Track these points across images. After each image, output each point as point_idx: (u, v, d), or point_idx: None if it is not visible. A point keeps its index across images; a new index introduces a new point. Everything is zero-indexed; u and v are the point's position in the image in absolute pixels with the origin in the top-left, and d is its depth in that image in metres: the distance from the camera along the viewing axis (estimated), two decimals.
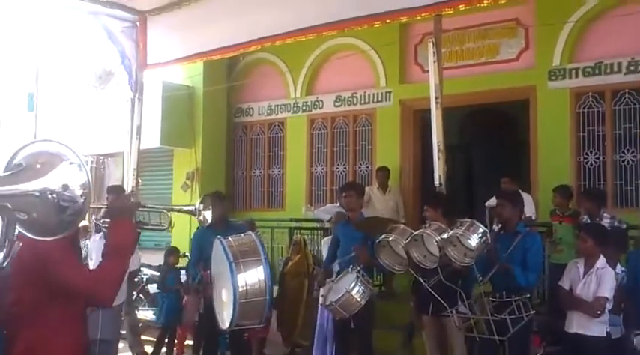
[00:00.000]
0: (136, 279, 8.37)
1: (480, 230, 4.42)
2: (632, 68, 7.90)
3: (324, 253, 6.91)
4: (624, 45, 7.90)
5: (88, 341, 2.63)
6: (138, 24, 8.76)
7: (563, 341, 4.90)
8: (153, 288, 9.15)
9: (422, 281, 4.86)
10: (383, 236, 4.86)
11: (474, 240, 4.35)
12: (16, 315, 2.37)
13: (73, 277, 2.35)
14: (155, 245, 10.94)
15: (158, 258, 9.30)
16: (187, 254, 9.22)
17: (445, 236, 4.45)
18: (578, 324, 4.68)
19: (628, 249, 5.87)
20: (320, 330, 6.72)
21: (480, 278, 4.63)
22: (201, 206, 3.28)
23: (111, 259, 2.44)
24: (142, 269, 9.10)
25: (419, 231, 4.67)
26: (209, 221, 3.41)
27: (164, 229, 3.39)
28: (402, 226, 4.97)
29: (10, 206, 1.01)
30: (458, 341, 5.27)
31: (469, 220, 4.54)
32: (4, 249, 1.07)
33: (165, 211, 3.37)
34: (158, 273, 8.88)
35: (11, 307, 2.36)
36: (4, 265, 1.05)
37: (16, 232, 1.20)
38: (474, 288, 4.98)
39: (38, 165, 1.12)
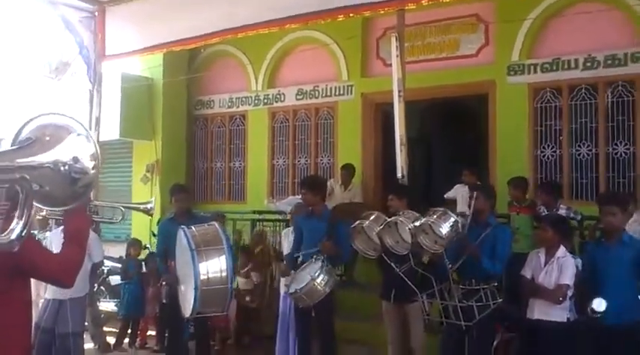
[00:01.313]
0: (98, 271, 8.29)
1: (452, 219, 4.54)
2: (588, 64, 8.11)
3: (284, 244, 6.93)
4: (581, 41, 8.10)
5: (31, 325, 2.81)
6: (96, 14, 8.60)
7: (521, 328, 5.04)
8: (114, 280, 9.10)
9: (394, 266, 4.95)
10: (358, 221, 4.95)
11: (445, 228, 4.47)
12: None
13: (43, 261, 2.51)
14: (115, 237, 10.81)
15: (118, 250, 9.22)
16: (148, 245, 9.17)
17: (418, 223, 4.54)
18: (540, 311, 4.82)
19: (572, 239, 6.03)
20: (282, 319, 6.75)
21: (450, 266, 4.73)
22: (152, 206, 3.26)
23: (70, 246, 2.59)
24: (103, 261, 9.03)
25: (393, 218, 4.76)
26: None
27: (115, 222, 3.40)
28: (376, 213, 5.06)
29: (28, 177, 1.00)
30: (418, 329, 5.40)
31: (441, 209, 4.67)
32: (23, 219, 1.06)
33: (120, 207, 3.35)
34: (119, 265, 8.82)
35: None
36: (24, 234, 1.04)
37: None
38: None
39: (47, 138, 1.12)
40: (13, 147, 1.06)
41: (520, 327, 5.10)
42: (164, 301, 7.22)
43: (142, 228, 10.25)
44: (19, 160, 1.02)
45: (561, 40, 8.30)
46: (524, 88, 8.54)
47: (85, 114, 8.76)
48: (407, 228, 4.59)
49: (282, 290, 6.77)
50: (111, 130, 10.10)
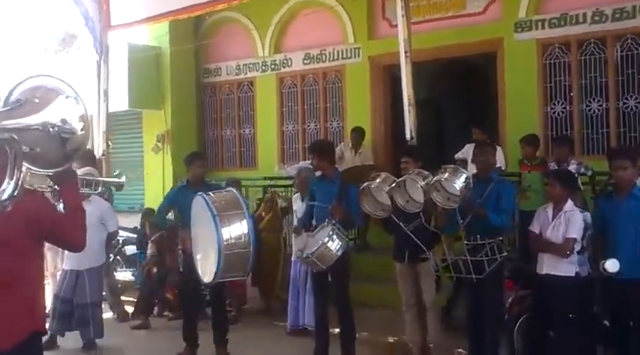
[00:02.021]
0: (113, 242, 8.43)
1: (464, 175, 4.61)
2: (596, 18, 8.00)
3: (295, 208, 7.00)
4: None
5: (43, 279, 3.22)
6: None
7: (534, 284, 5.13)
8: (130, 250, 9.23)
9: (402, 225, 5.02)
10: (365, 183, 4.99)
11: (458, 184, 4.52)
12: None
13: (61, 224, 2.86)
14: (129, 207, 10.94)
15: (132, 221, 9.34)
16: None
17: (429, 181, 4.60)
18: (548, 265, 4.88)
19: (581, 194, 6.08)
20: (294, 284, 6.88)
21: (461, 222, 4.80)
22: (124, 181, 3.43)
23: (75, 212, 2.91)
24: (118, 231, 9.18)
25: (403, 177, 4.81)
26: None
27: (121, 183, 3.59)
28: (384, 174, 5.11)
29: (16, 137, 1.04)
30: (429, 286, 5.47)
31: (453, 166, 4.73)
32: (13, 180, 1.10)
33: (98, 180, 3.54)
34: (134, 235, 8.93)
35: None
36: (15, 194, 1.09)
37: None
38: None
39: (36, 100, 1.15)
40: (3, 109, 1.10)
41: (533, 283, 5.18)
42: (181, 269, 7.32)
43: (156, 198, 10.36)
44: (7, 122, 1.06)
45: None
46: (533, 45, 8.45)
47: (93, 86, 8.80)
48: (419, 185, 4.65)
49: (293, 255, 6.89)
50: (119, 101, 10.14)
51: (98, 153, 8.42)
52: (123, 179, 3.22)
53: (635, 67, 7.88)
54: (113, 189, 5.08)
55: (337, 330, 5.75)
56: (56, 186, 2.75)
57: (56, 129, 1.13)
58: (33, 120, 1.10)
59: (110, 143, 9.10)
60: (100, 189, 3.44)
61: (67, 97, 1.18)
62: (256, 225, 7.70)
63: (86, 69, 9.29)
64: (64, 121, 1.14)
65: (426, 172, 4.80)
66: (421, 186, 4.64)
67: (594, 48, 8.14)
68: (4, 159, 1.12)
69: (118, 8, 8.63)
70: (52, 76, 1.35)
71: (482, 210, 4.85)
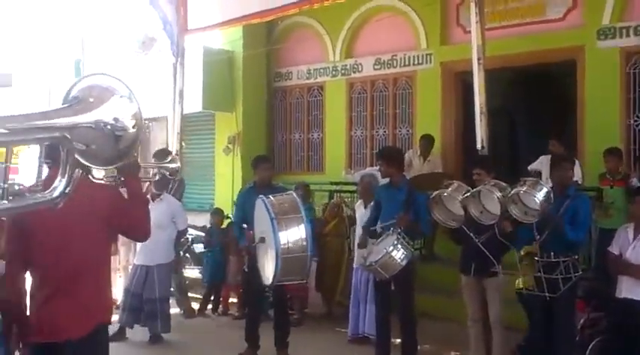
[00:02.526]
0: (182, 239, 8.63)
1: (545, 189, 4.47)
2: None
3: (357, 215, 6.95)
4: None
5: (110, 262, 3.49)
6: None
7: (608, 307, 4.89)
8: (198, 248, 9.44)
9: (473, 237, 4.91)
10: (437, 192, 4.91)
11: (538, 198, 4.38)
12: (56, 247, 2.98)
13: (128, 212, 3.07)
14: (198, 207, 11.17)
15: (201, 220, 9.54)
16: (230, 215, 9.45)
17: (506, 193, 4.48)
18: (627, 289, 4.65)
19: None
20: (355, 292, 6.83)
21: (538, 237, 4.67)
22: (178, 166, 3.49)
23: (137, 202, 3.11)
24: (187, 229, 9.40)
25: (479, 187, 4.71)
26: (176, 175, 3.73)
27: (177, 173, 3.60)
28: (457, 182, 5.00)
29: (68, 136, 1.08)
30: (495, 302, 5.31)
31: (533, 179, 4.59)
32: (65, 178, 1.14)
33: (153, 166, 3.71)
34: (202, 234, 9.13)
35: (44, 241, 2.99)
36: (67, 192, 1.12)
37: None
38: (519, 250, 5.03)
39: (91, 99, 1.19)
40: (58, 107, 1.14)
41: (608, 306, 4.94)
42: (245, 269, 7.41)
43: (225, 198, 10.58)
44: (60, 120, 1.09)
45: None
46: (616, 53, 8.08)
47: (169, 87, 9.07)
48: (495, 196, 4.52)
49: (355, 262, 6.84)
50: (194, 103, 10.40)
51: (172, 152, 8.66)
52: (177, 164, 3.31)
53: None
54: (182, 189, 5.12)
55: (398, 341, 5.67)
56: (121, 177, 2.93)
57: (109, 127, 1.17)
58: (86, 118, 1.14)
59: (184, 144, 9.35)
60: (156, 177, 3.62)
61: (121, 96, 1.22)
62: (321, 230, 7.76)
63: (163, 71, 9.58)
64: (116, 120, 1.18)
65: (504, 184, 4.67)
66: (498, 198, 4.51)
67: None
68: (57, 157, 1.17)
69: (195, 13, 8.86)
70: (107, 75, 1.39)
71: (561, 221, 4.68)
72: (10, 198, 1.02)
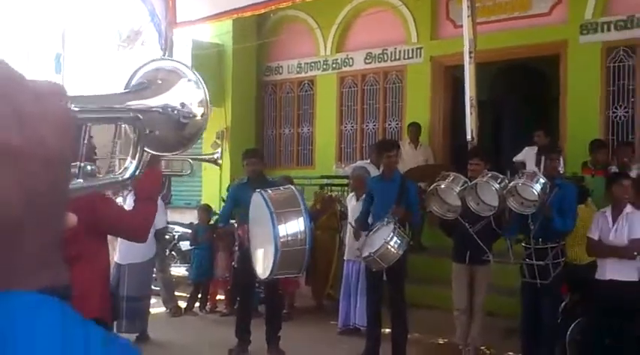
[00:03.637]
0: (167, 237, 8.53)
1: (542, 180, 4.58)
2: None
3: (349, 208, 6.97)
4: None
5: (109, 263, 3.38)
6: None
7: (588, 289, 5.03)
8: (185, 246, 9.33)
9: (467, 227, 5.02)
10: (434, 184, 5.00)
11: (536, 190, 4.46)
12: None
13: (120, 217, 2.97)
14: (185, 204, 11.13)
15: (189, 217, 9.49)
16: (218, 211, 9.40)
17: (505, 185, 4.57)
18: (612, 271, 4.76)
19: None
20: (346, 284, 6.87)
21: (532, 226, 4.79)
22: (218, 155, 3.43)
23: (146, 202, 2.91)
24: (173, 227, 9.31)
25: (477, 179, 4.80)
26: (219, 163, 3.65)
27: (184, 174, 3.60)
28: (453, 174, 5.06)
29: (141, 117, 1.07)
30: (482, 289, 5.45)
31: (530, 171, 4.70)
32: (136, 160, 1.14)
33: (187, 160, 3.53)
34: (189, 231, 9.05)
35: None
36: (137, 174, 1.12)
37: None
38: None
39: (159, 81, 1.17)
40: (126, 91, 1.12)
41: (587, 288, 5.07)
42: (235, 265, 7.37)
43: (212, 195, 10.54)
44: (132, 102, 1.08)
45: None
46: (597, 48, 8.25)
47: None
48: (493, 188, 4.60)
49: (346, 255, 6.87)
50: None
51: None
52: (217, 155, 3.26)
53: None
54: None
55: (388, 330, 5.74)
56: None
57: (176, 112, 1.15)
58: (155, 102, 1.12)
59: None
60: (189, 171, 3.44)
61: (188, 80, 1.20)
62: (313, 222, 7.77)
63: None
64: (183, 105, 1.16)
65: (500, 175, 4.75)
66: (496, 190, 4.59)
67: None
68: (127, 139, 1.15)
69: (184, 5, 8.80)
70: (172, 59, 1.38)
71: (551, 211, 4.81)
72: (83, 178, 1.03)
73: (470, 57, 5.82)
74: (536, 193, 4.50)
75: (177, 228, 9.48)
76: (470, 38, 5.83)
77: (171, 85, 1.13)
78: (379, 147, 6.49)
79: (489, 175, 4.79)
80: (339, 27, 10.60)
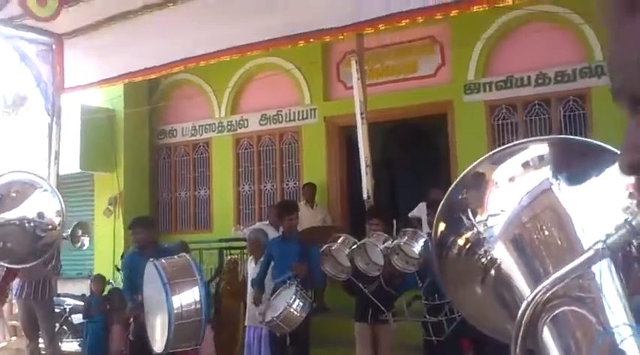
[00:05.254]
0: (58, 310, 8.06)
1: (422, 238, 4.64)
2: (540, 81, 8.36)
3: (249, 271, 6.88)
4: (533, 59, 8.35)
5: None
6: (54, 47, 8.53)
7: (489, 341, 5.13)
8: (77, 319, 8.82)
9: (362, 288, 5.00)
10: (326, 245, 4.98)
11: (417, 248, 4.54)
12: None
13: None
14: (77, 274, 10.56)
15: (80, 288, 8.99)
16: (111, 281, 8.97)
17: (389, 244, 4.62)
18: None
19: None
20: (248, 351, 6.69)
21: (420, 284, 4.80)
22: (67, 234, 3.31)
23: None
24: (64, 299, 8.80)
25: (363, 240, 4.82)
26: (86, 245, 3.49)
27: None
28: (343, 235, 5.10)
29: None
30: (387, 348, 5.44)
31: (411, 229, 4.76)
32: None
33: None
34: (81, 303, 8.58)
35: None
36: None
37: None
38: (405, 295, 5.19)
39: (13, 194, 1.11)
40: None
41: (489, 340, 5.18)
42: (131, 338, 7.03)
43: (106, 264, 10.07)
44: None
45: (514, 58, 8.56)
46: (481, 106, 8.76)
47: (44, 147, 8.63)
48: (378, 249, 4.65)
49: (247, 321, 6.73)
50: (71, 163, 9.95)
51: None
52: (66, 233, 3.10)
53: (578, 126, 8.21)
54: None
55: None
56: None
57: (32, 224, 1.09)
58: (11, 215, 1.06)
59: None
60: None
61: (44, 191, 1.14)
62: (217, 290, 7.57)
63: (36, 130, 9.13)
64: (40, 215, 1.10)
65: (386, 235, 4.81)
66: (380, 250, 4.65)
67: (539, 109, 8.48)
68: None
69: (72, 70, 8.58)
70: (23, 171, 1.32)
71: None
72: None
73: (362, 118, 6.01)
74: (417, 251, 4.57)
75: (69, 300, 8.95)
76: (360, 100, 6.05)
77: (27, 196, 1.10)
78: (280, 210, 6.50)
79: (375, 236, 4.86)
80: (233, 89, 10.68)
